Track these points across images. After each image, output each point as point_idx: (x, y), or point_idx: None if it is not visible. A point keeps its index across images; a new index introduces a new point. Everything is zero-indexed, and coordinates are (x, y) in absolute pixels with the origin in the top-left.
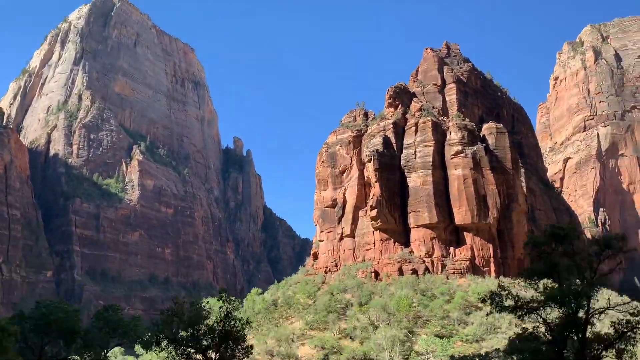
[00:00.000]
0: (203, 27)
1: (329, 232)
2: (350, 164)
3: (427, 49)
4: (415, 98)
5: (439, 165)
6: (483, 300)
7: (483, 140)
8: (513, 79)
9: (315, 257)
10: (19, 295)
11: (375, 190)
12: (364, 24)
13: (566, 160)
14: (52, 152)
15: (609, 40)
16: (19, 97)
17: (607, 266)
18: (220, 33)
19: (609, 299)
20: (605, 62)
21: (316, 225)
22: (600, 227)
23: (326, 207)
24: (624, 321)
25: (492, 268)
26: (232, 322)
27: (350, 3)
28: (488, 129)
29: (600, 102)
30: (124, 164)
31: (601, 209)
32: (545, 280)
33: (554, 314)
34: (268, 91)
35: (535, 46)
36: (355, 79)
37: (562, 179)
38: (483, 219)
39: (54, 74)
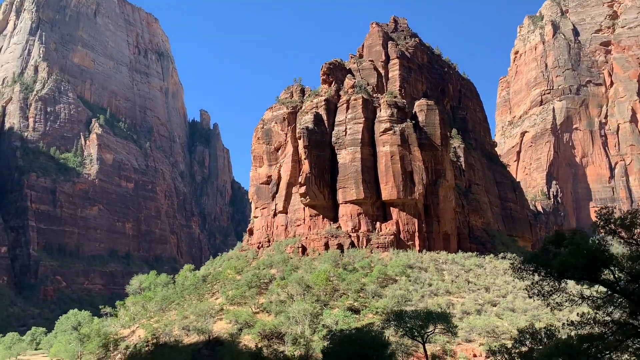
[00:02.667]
0: None
1: (263, 209)
2: (285, 140)
3: (373, 23)
4: (349, 75)
5: (369, 143)
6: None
7: (414, 117)
8: (477, 54)
9: (251, 233)
10: None
11: (305, 167)
12: None
13: (523, 134)
14: (7, 125)
15: (567, 14)
16: None
17: None
18: (185, 3)
19: None
20: (563, 37)
21: (251, 201)
22: (552, 199)
23: (261, 183)
24: None
25: (417, 242)
26: None
27: None
28: (419, 105)
29: (557, 76)
30: (82, 137)
31: (554, 182)
32: None
33: None
34: (235, 64)
35: (501, 20)
36: (321, 54)
37: (518, 153)
38: (409, 195)
39: (9, 44)
